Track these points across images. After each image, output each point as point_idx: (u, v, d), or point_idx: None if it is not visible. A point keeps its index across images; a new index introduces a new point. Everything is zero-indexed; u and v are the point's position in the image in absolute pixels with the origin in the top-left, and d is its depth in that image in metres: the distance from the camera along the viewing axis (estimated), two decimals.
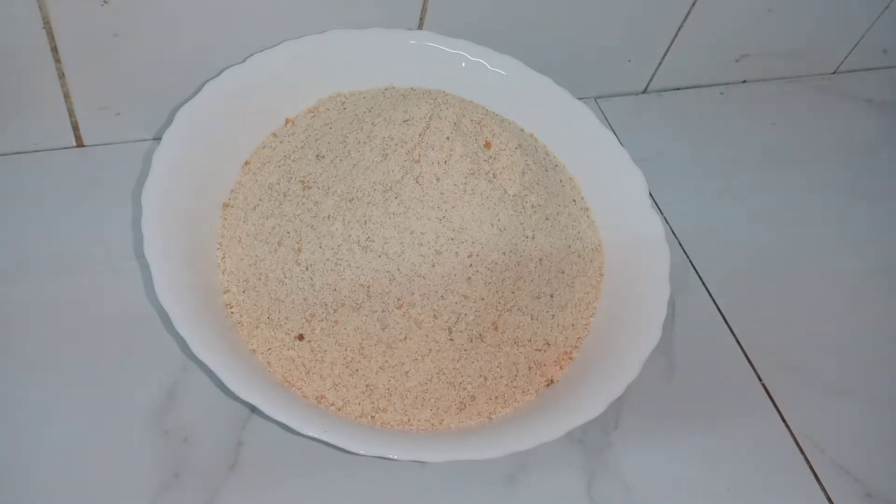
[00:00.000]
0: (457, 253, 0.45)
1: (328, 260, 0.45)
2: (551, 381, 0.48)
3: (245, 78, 0.50)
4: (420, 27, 0.57)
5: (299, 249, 0.46)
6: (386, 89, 0.55)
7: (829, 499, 0.50)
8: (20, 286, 0.48)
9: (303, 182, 0.48)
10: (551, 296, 0.49)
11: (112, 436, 0.44)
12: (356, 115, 0.51)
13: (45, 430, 0.44)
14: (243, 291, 0.46)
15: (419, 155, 0.46)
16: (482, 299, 0.46)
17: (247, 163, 0.51)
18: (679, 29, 0.64)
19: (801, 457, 0.51)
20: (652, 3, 0.61)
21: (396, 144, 0.47)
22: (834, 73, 0.76)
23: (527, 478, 0.47)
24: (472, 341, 0.46)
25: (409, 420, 0.45)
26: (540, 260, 0.48)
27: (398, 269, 0.45)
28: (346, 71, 0.54)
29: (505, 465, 0.47)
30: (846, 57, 0.75)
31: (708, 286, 0.58)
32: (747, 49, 0.70)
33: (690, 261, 0.59)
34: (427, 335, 0.45)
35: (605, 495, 0.47)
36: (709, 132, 0.68)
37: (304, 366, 0.45)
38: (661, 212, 0.61)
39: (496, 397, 0.46)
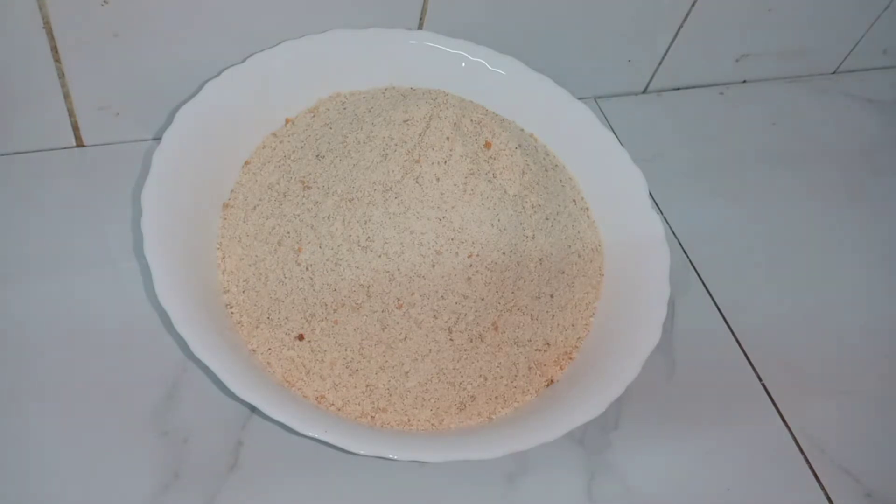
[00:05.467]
0: (457, 253, 0.45)
1: (328, 260, 0.45)
2: (551, 381, 0.48)
3: (245, 78, 0.50)
4: (420, 27, 0.57)
5: (299, 249, 0.46)
6: (386, 89, 0.55)
7: (829, 499, 0.50)
8: (20, 286, 0.48)
9: (303, 182, 0.48)
10: (551, 296, 0.49)
11: (112, 436, 0.44)
12: (356, 115, 0.51)
13: (44, 431, 0.44)
14: (243, 291, 0.46)
15: (419, 155, 0.46)
16: (482, 299, 0.46)
17: (247, 163, 0.51)
18: (679, 29, 0.64)
19: (801, 457, 0.51)
20: (652, 4, 0.62)
21: (396, 144, 0.47)
22: (834, 73, 0.76)
23: (527, 478, 0.47)
24: (472, 341, 0.46)
25: (409, 420, 0.45)
26: (540, 260, 0.48)
27: (398, 269, 0.45)
28: (346, 71, 0.54)
29: (505, 465, 0.47)
30: (846, 57, 0.75)
31: (708, 286, 0.58)
32: (747, 49, 0.70)
33: (690, 261, 0.59)
34: (427, 335, 0.45)
35: (605, 495, 0.47)
36: (709, 132, 0.68)
37: (304, 366, 0.45)
38: (661, 212, 0.61)
39: (496, 397, 0.46)
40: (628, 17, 0.62)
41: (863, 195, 0.67)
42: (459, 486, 0.46)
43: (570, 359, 0.49)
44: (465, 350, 0.46)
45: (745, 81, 0.73)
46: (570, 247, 0.51)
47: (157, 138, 0.55)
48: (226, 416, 0.46)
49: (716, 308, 0.57)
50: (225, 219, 0.49)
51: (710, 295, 0.58)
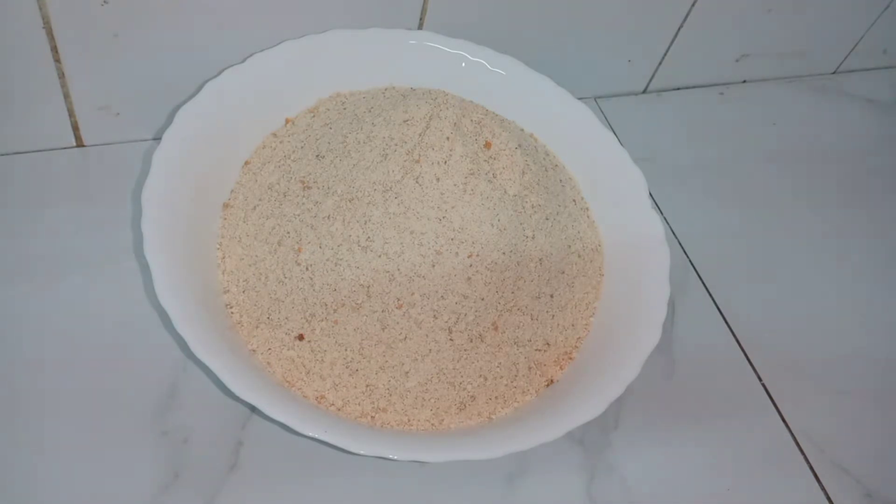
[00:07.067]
0: (457, 253, 0.45)
1: (328, 260, 0.45)
2: (551, 381, 0.48)
3: (245, 78, 0.50)
4: (420, 27, 0.57)
5: (299, 249, 0.46)
6: (386, 89, 0.55)
7: (829, 499, 0.50)
8: (20, 286, 0.48)
9: (303, 182, 0.48)
10: (551, 296, 0.49)
11: (112, 436, 0.44)
12: (356, 115, 0.51)
13: (45, 430, 0.44)
14: (243, 291, 0.46)
15: (419, 155, 0.46)
16: (482, 299, 0.46)
17: (247, 163, 0.51)
18: (679, 29, 0.64)
19: (801, 457, 0.51)
20: (652, 3, 0.62)
21: (396, 144, 0.47)
22: (834, 73, 0.76)
23: (527, 478, 0.47)
24: (472, 341, 0.46)
25: (409, 420, 0.45)
26: (540, 260, 0.48)
27: (398, 269, 0.45)
28: (346, 71, 0.54)
29: (505, 465, 0.47)
30: (846, 57, 0.75)
31: (708, 286, 0.58)
32: (747, 49, 0.70)
33: (690, 261, 0.59)
34: (427, 335, 0.45)
35: (605, 495, 0.47)
36: (709, 132, 0.68)
37: (304, 366, 0.45)
38: (661, 212, 0.61)
39: (496, 397, 0.46)
40: (628, 17, 0.62)
41: (863, 195, 0.67)
42: (459, 486, 0.46)
43: (570, 359, 0.49)
44: (465, 350, 0.46)
45: (745, 81, 0.73)
46: (570, 247, 0.51)
47: (157, 138, 0.55)
48: (226, 416, 0.46)
49: (716, 308, 0.57)
50: (225, 219, 0.49)
51: (710, 295, 0.58)
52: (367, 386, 0.45)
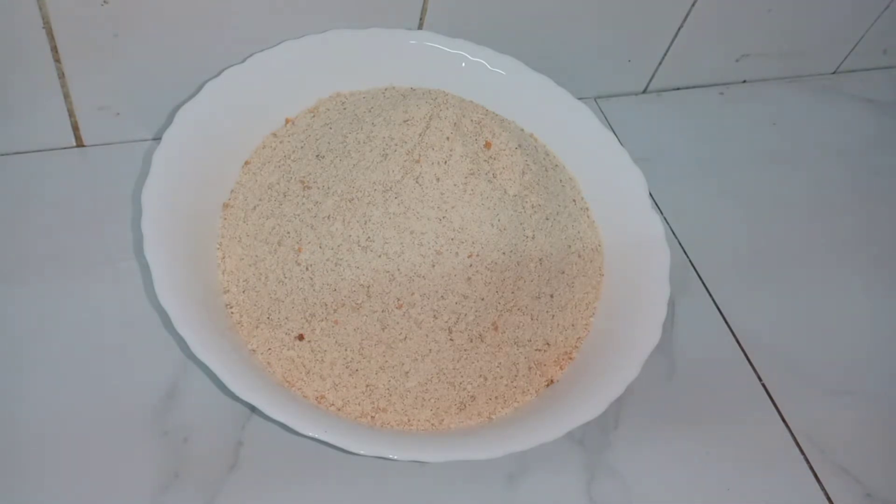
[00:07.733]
0: (457, 253, 0.45)
1: (328, 260, 0.45)
2: (551, 381, 0.48)
3: (245, 78, 0.50)
4: (420, 27, 0.57)
5: (299, 249, 0.46)
6: (386, 89, 0.55)
7: (829, 499, 0.50)
8: (20, 286, 0.48)
9: (303, 182, 0.48)
10: (551, 296, 0.49)
11: (112, 436, 0.44)
12: (356, 115, 0.51)
13: (44, 430, 0.44)
14: (243, 291, 0.46)
15: (419, 155, 0.46)
16: (482, 299, 0.46)
17: (247, 163, 0.51)
18: (679, 29, 0.64)
19: (801, 457, 0.51)
20: (652, 3, 0.62)
21: (396, 144, 0.47)
22: (834, 73, 0.76)
23: (527, 478, 0.47)
24: (472, 341, 0.46)
25: (409, 420, 0.45)
26: (540, 260, 0.48)
27: (398, 269, 0.45)
28: (346, 71, 0.54)
29: (505, 465, 0.47)
30: (846, 57, 0.75)
31: (708, 286, 0.58)
32: (747, 49, 0.70)
33: (690, 261, 0.59)
34: (427, 335, 0.45)
35: (605, 495, 0.47)
36: (709, 132, 0.68)
37: (304, 366, 0.45)
38: (661, 212, 0.61)
39: (496, 397, 0.46)
40: (628, 17, 0.62)
41: (863, 195, 0.67)
42: (459, 486, 0.46)
43: (570, 359, 0.49)
44: (465, 350, 0.46)
45: (745, 81, 0.73)
46: (570, 247, 0.51)
47: (157, 138, 0.55)
48: (226, 416, 0.46)
49: (716, 308, 0.57)
50: (225, 219, 0.49)
51: (710, 295, 0.58)
52: (367, 386, 0.45)
